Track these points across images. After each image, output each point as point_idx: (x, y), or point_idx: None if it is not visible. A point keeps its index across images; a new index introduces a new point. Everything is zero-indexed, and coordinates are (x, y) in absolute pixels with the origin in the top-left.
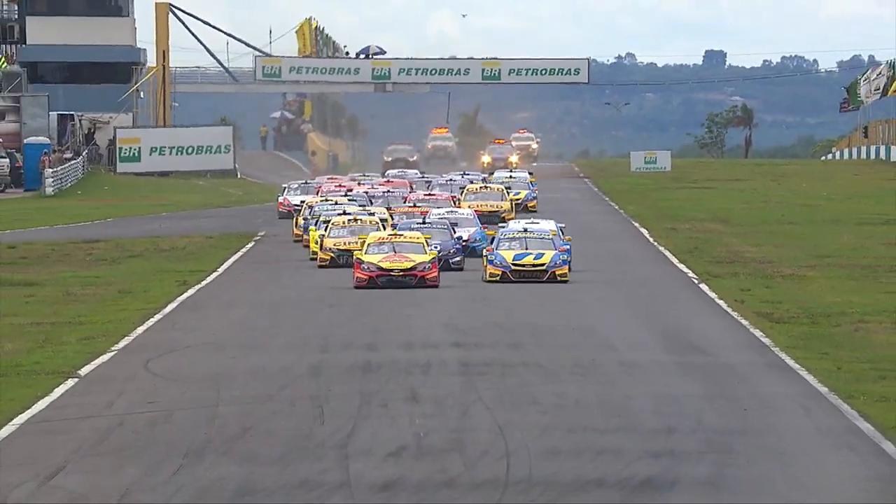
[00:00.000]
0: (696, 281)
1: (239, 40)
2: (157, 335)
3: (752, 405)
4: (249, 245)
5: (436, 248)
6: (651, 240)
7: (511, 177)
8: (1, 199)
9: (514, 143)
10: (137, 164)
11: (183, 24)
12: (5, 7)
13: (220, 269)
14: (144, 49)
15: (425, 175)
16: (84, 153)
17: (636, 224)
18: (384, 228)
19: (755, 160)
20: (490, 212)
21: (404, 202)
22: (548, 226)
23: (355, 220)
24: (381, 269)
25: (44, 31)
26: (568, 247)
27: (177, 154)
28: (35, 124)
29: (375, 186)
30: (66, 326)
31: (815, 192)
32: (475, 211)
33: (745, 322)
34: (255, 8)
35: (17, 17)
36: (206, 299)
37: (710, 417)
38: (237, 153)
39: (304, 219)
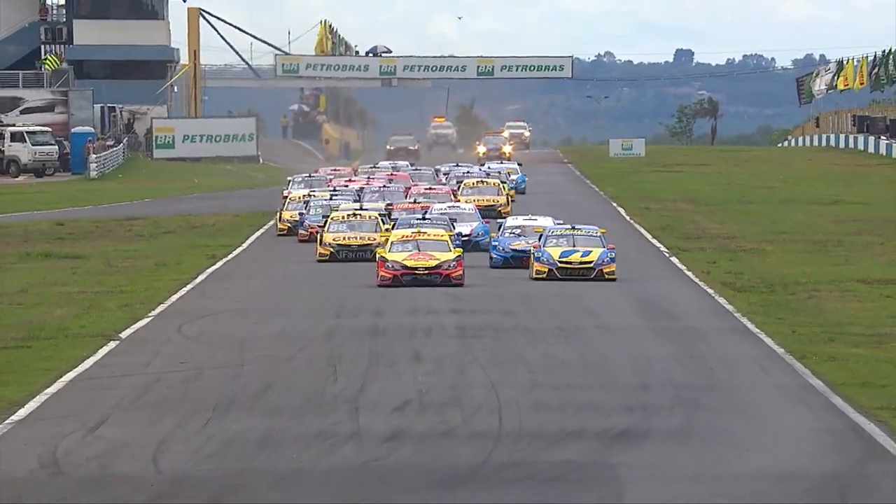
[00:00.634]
0: (667, 254)
1: (261, 41)
2: (189, 302)
3: (716, 364)
4: (271, 223)
5: None
6: (627, 218)
7: (489, 175)
8: (50, 182)
9: (508, 132)
10: (172, 150)
11: (212, 26)
12: (55, 11)
13: (245, 244)
14: (178, 48)
15: (417, 166)
16: (124, 141)
17: (614, 204)
18: (384, 224)
19: (720, 147)
20: (486, 206)
21: (405, 197)
22: (545, 222)
23: (354, 215)
24: (405, 267)
25: (89, 33)
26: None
27: (206, 142)
28: (81, 115)
29: (371, 181)
30: (108, 294)
31: (772, 175)
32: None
33: (710, 291)
34: (276, 11)
35: (65, 20)
36: (232, 271)
37: (679, 375)
38: (260, 141)
39: (300, 213)
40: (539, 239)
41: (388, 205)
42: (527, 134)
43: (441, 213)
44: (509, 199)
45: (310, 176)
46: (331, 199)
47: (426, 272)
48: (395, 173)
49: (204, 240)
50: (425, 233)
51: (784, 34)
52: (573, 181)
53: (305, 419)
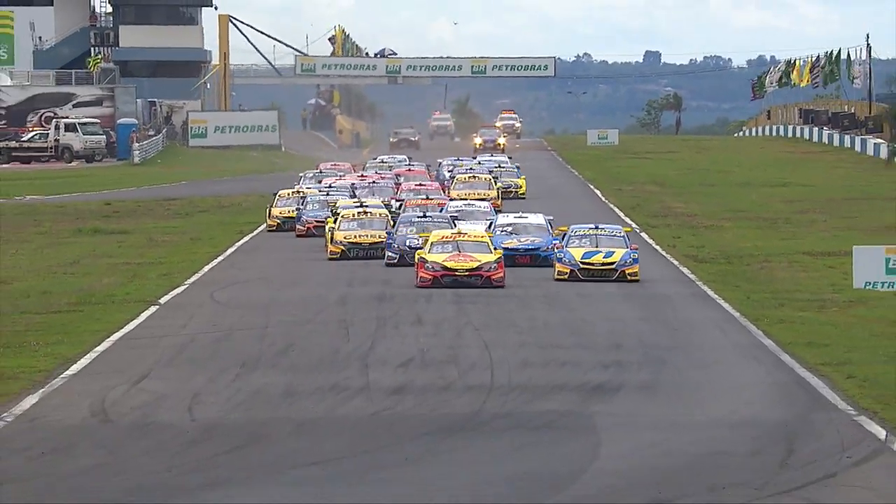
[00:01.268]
0: (637, 230)
1: (283, 43)
2: (220, 272)
3: (681, 326)
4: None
5: None
6: (602, 198)
7: (500, 166)
8: (99, 167)
9: (501, 123)
10: (204, 139)
11: (239, 31)
12: (103, 18)
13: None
14: (210, 51)
15: (412, 162)
16: (163, 131)
17: (591, 186)
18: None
19: (683, 137)
20: (478, 200)
21: (395, 192)
22: (536, 219)
23: (364, 212)
24: (445, 268)
25: (132, 37)
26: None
27: (235, 132)
28: (125, 109)
29: (364, 178)
30: (149, 265)
31: (729, 161)
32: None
33: (675, 262)
34: (296, 17)
35: (112, 25)
36: (258, 245)
37: (648, 336)
38: (281, 132)
39: (297, 209)
40: (562, 238)
41: (400, 202)
42: (518, 125)
43: (457, 210)
44: (500, 193)
45: (320, 171)
46: (327, 195)
47: (466, 274)
48: (411, 169)
49: (233, 217)
50: (465, 234)
51: (740, 38)
52: (556, 167)
53: (321, 374)
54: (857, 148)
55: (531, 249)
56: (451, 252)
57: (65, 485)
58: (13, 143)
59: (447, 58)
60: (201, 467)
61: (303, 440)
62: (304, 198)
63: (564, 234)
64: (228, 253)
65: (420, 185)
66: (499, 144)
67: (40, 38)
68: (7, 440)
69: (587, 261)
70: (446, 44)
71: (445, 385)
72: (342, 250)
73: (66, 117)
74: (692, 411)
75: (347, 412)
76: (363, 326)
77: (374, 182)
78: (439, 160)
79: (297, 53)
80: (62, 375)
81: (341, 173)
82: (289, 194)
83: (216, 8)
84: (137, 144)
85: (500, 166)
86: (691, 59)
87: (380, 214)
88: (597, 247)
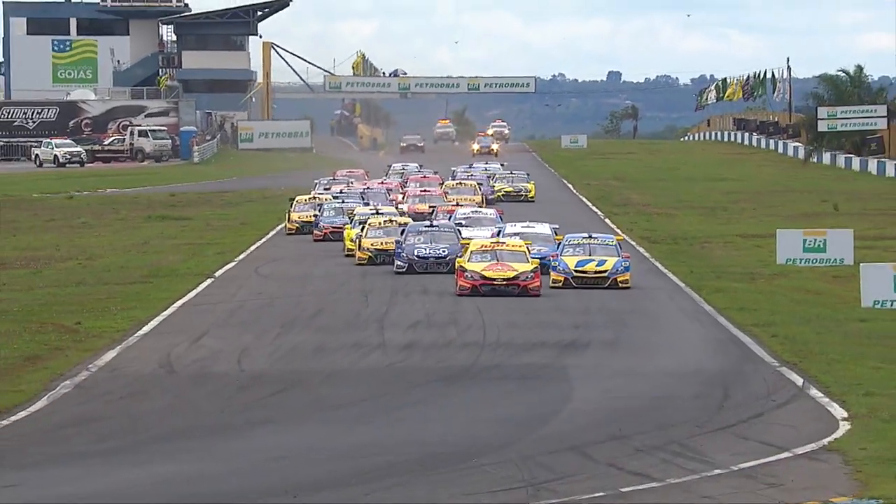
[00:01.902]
0: (602, 216)
1: (314, 65)
2: (264, 251)
3: (638, 294)
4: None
5: (443, 252)
6: (574, 191)
7: (512, 172)
8: (165, 166)
9: (493, 129)
10: (251, 143)
11: (279, 55)
12: (169, 45)
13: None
14: (255, 71)
15: (423, 168)
16: (217, 137)
17: (564, 181)
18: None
19: (639, 140)
20: (484, 208)
21: (387, 198)
22: (542, 229)
23: (390, 221)
24: (484, 277)
25: (193, 60)
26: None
27: (275, 137)
28: (187, 118)
29: (368, 184)
30: (206, 245)
31: (677, 161)
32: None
33: (633, 242)
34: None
35: (176, 51)
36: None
37: (610, 302)
38: (313, 137)
39: (314, 215)
40: (557, 247)
41: (431, 206)
42: (507, 131)
43: (465, 217)
44: (484, 199)
45: (333, 179)
46: (343, 202)
47: (504, 283)
48: (427, 176)
49: (274, 206)
50: (504, 243)
51: (685, 60)
52: (536, 165)
53: (346, 333)
54: (780, 150)
55: (537, 258)
56: (489, 261)
57: (138, 423)
58: (96, 147)
59: (448, 77)
60: (248, 409)
61: (331, 387)
62: (320, 205)
63: (559, 244)
64: (270, 235)
65: (424, 191)
66: (493, 150)
67: (119, 61)
68: (92, 387)
69: (581, 269)
70: (447, 66)
71: (446, 342)
72: (370, 256)
73: (139, 125)
74: (646, 363)
75: (367, 364)
76: (379, 295)
77: (368, 187)
78: (453, 168)
79: (326, 73)
80: (136, 334)
81: (351, 180)
82: (306, 200)
83: (261, 36)
84: (197, 147)
85: (512, 173)
86: (646, 78)
87: (405, 223)
88: (590, 255)
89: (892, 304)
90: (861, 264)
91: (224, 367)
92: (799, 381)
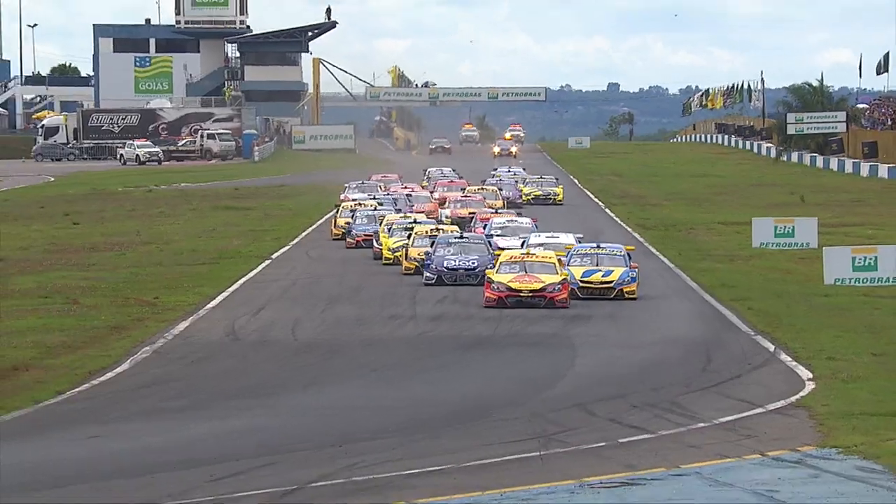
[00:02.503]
0: (603, 206)
1: (357, 77)
2: (314, 236)
3: (646, 295)
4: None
5: (473, 263)
6: (579, 185)
7: (542, 177)
8: (230, 164)
9: (510, 133)
10: (303, 144)
11: (327, 69)
12: (233, 61)
13: None
14: (307, 83)
15: (456, 173)
16: (274, 139)
17: (571, 177)
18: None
19: (635, 142)
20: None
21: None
22: (567, 239)
23: (437, 229)
24: (510, 289)
25: (253, 74)
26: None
27: (323, 139)
28: (248, 123)
29: (399, 190)
30: (264, 232)
31: (667, 159)
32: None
33: (629, 229)
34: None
35: (239, 66)
36: None
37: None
38: (356, 139)
39: (346, 222)
40: (565, 257)
41: (471, 212)
42: (522, 134)
43: (501, 227)
44: (506, 202)
45: (363, 183)
46: (375, 209)
47: (530, 294)
48: (453, 181)
49: (323, 198)
50: (534, 254)
51: (674, 72)
52: (546, 163)
53: (383, 307)
54: (755, 150)
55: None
56: (517, 272)
57: (207, 383)
58: (171, 148)
59: (470, 88)
60: (300, 371)
61: (369, 353)
62: (353, 212)
63: (568, 253)
64: (319, 223)
65: (466, 196)
66: (512, 152)
67: (191, 74)
68: (169, 351)
69: (586, 279)
70: (469, 78)
71: (469, 315)
72: (416, 266)
73: (208, 129)
74: (641, 333)
75: (401, 333)
76: (413, 276)
77: (409, 194)
78: (492, 171)
79: (367, 85)
80: (205, 307)
81: (382, 184)
82: (350, 207)
83: (311, 53)
84: (257, 148)
85: (542, 177)
86: (640, 88)
87: (449, 231)
88: (597, 265)
89: (850, 282)
90: (824, 248)
91: (279, 335)
92: (771, 347)
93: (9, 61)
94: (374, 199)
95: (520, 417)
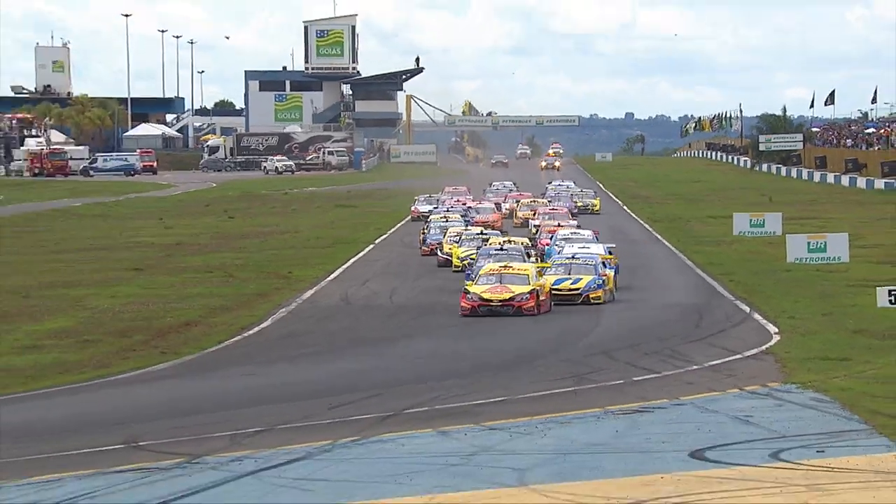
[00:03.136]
0: (622, 205)
1: (439, 109)
2: (407, 228)
3: (645, 257)
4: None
5: None
6: (604, 188)
7: (582, 190)
8: (344, 174)
9: (552, 150)
10: (398, 159)
11: (417, 103)
12: (347, 96)
13: None
14: (401, 112)
15: (516, 186)
16: (377, 155)
17: (599, 183)
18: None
19: (646, 157)
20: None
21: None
22: (597, 249)
23: (509, 240)
24: (482, 299)
25: (362, 106)
26: (614, 269)
27: (413, 155)
28: (358, 143)
29: (462, 202)
30: (369, 224)
31: (669, 169)
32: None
33: (641, 222)
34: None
35: (351, 100)
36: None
37: (626, 260)
38: (437, 155)
39: (422, 232)
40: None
41: (559, 224)
42: (561, 150)
43: (565, 238)
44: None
45: (430, 196)
46: (447, 220)
47: (500, 304)
48: (522, 193)
49: (412, 200)
50: (511, 267)
51: (675, 104)
52: (579, 173)
53: (458, 281)
54: (735, 163)
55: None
56: (493, 284)
57: (329, 335)
58: (301, 161)
59: (523, 116)
60: (397, 327)
61: (448, 315)
62: (427, 221)
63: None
64: (406, 220)
65: (554, 209)
66: (556, 166)
67: (315, 107)
68: (300, 312)
69: (556, 287)
70: (522, 108)
71: None
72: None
73: (328, 147)
74: (649, 299)
75: None
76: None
77: (470, 207)
78: (546, 184)
79: (446, 114)
80: (326, 280)
81: (449, 197)
82: (440, 218)
83: (405, 91)
84: (364, 162)
85: (582, 191)
86: (649, 116)
87: (523, 244)
88: (569, 274)
89: (806, 261)
90: (787, 235)
91: (381, 300)
92: (747, 309)
93: (183, 98)
94: (447, 211)
95: (558, 363)
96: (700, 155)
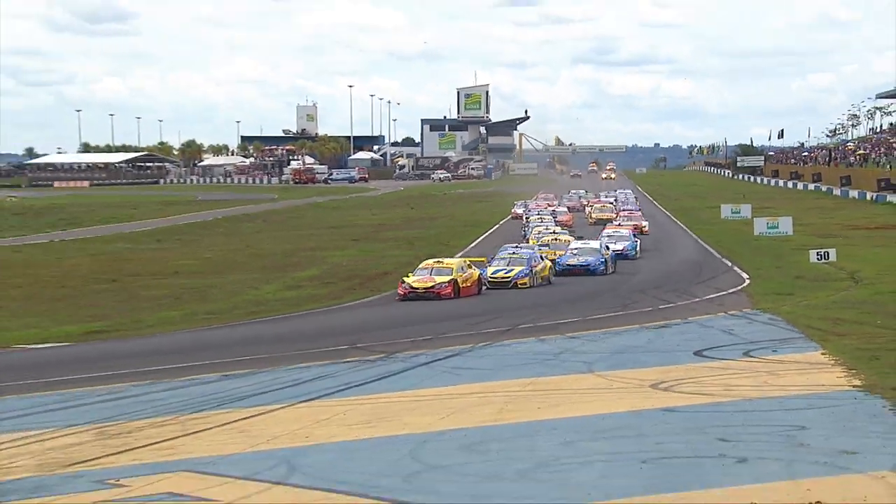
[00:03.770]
0: (652, 200)
1: (538, 140)
2: (510, 225)
3: (666, 232)
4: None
5: (507, 273)
6: (641, 190)
7: (627, 198)
8: (481, 181)
9: (609, 166)
10: (514, 172)
11: (526, 138)
12: (483, 134)
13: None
14: (516, 144)
15: (588, 193)
16: (501, 170)
17: (639, 187)
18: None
19: (668, 171)
20: (621, 229)
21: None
22: (594, 244)
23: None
24: (411, 287)
25: (492, 140)
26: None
27: (523, 170)
28: (490, 163)
29: (548, 205)
30: (497, 211)
31: (682, 178)
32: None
33: (665, 211)
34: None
35: (486, 137)
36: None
37: (654, 237)
38: (538, 170)
39: (523, 228)
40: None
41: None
42: (615, 166)
43: (608, 236)
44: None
45: (525, 202)
46: (541, 220)
47: (423, 290)
48: (601, 200)
49: (520, 199)
50: (441, 262)
51: (684, 138)
52: (625, 181)
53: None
54: (722, 174)
55: (583, 265)
56: (424, 275)
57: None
58: (454, 174)
59: (592, 145)
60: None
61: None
62: (527, 220)
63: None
64: (502, 223)
65: (631, 212)
66: (612, 177)
67: (463, 141)
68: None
69: (493, 276)
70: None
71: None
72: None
73: (471, 165)
74: (669, 258)
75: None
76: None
77: (554, 210)
78: (621, 191)
79: (543, 144)
80: (469, 246)
81: (533, 201)
82: (536, 218)
83: (518, 130)
84: (493, 174)
85: (627, 198)
86: (669, 145)
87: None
88: (508, 266)
89: (766, 235)
90: (754, 218)
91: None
92: (729, 264)
93: (384, 136)
94: (538, 213)
95: (613, 297)
96: (701, 169)
